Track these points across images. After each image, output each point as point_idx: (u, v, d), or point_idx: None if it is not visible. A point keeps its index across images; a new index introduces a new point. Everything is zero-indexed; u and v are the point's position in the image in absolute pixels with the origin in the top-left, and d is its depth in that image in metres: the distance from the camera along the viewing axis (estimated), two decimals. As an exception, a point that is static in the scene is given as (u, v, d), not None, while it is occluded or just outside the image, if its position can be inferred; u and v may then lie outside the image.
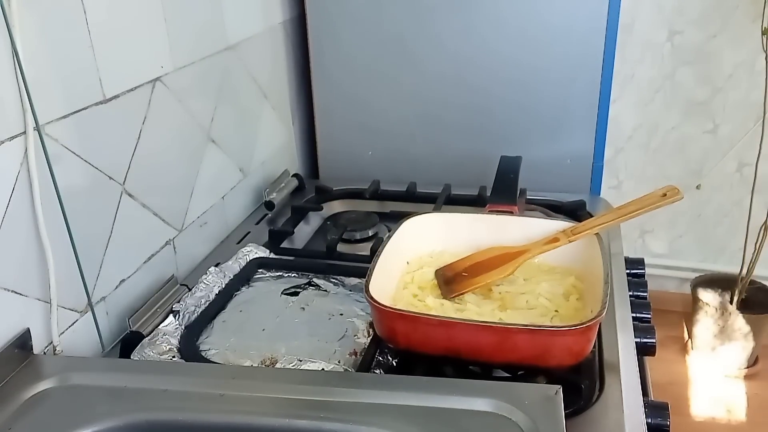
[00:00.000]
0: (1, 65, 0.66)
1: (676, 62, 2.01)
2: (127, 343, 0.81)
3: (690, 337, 2.17)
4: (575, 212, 1.16)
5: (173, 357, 0.78)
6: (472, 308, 0.82)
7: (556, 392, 0.61)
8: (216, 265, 0.96)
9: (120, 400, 0.64)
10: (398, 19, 1.27)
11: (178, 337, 0.82)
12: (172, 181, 0.98)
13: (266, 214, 1.20)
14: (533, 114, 1.28)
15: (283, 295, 0.91)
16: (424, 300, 0.83)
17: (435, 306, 0.82)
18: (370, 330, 0.82)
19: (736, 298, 2.02)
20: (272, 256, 1.02)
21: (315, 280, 0.94)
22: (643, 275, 1.06)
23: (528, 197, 1.13)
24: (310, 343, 0.80)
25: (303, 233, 1.18)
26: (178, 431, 0.62)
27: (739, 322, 2.02)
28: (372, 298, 0.74)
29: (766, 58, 1.79)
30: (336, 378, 0.71)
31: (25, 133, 0.69)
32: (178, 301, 0.87)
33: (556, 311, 0.80)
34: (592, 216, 1.17)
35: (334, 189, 1.28)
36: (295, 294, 0.91)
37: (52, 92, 0.73)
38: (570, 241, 0.86)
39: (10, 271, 0.69)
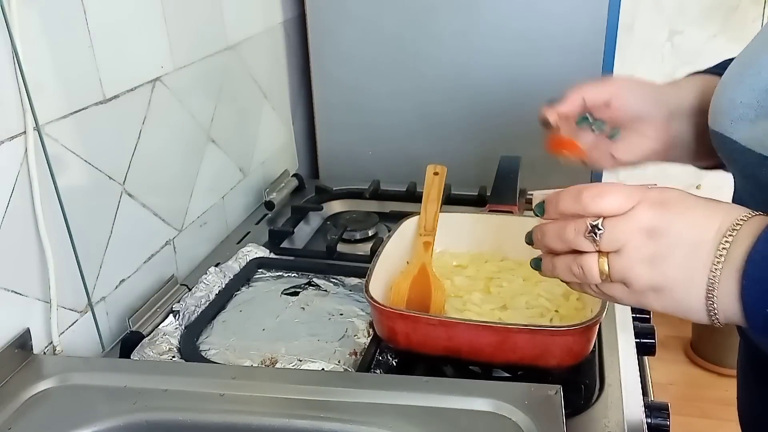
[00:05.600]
0: (1, 65, 0.66)
1: (676, 62, 2.01)
2: (127, 343, 0.81)
3: (691, 336, 2.17)
4: (575, 212, 1.16)
5: (173, 357, 0.78)
6: (472, 308, 0.82)
7: (556, 392, 0.61)
8: (216, 265, 0.96)
9: (120, 400, 0.64)
10: (398, 19, 1.27)
11: (178, 337, 0.82)
12: (172, 181, 0.98)
13: (266, 214, 1.20)
14: (533, 114, 1.28)
15: (283, 295, 0.91)
16: (424, 300, 0.83)
17: (435, 306, 0.82)
18: (370, 330, 0.82)
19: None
20: (272, 256, 1.02)
21: (315, 280, 0.94)
22: (643, 275, 1.06)
23: (528, 197, 1.13)
24: (310, 343, 0.80)
25: (303, 233, 1.18)
26: (178, 431, 0.62)
27: (739, 322, 2.02)
28: (372, 298, 0.74)
29: (766, 58, 1.79)
30: (336, 378, 0.71)
31: (25, 133, 0.69)
32: (178, 301, 0.87)
33: (556, 311, 0.81)
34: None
35: (334, 189, 1.28)
36: (295, 294, 0.91)
37: (52, 92, 0.73)
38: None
39: (10, 271, 0.69)
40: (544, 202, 0.54)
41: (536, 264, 0.57)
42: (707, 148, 0.78)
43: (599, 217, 0.50)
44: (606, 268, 0.50)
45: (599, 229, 0.49)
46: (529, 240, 0.57)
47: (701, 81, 0.79)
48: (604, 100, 0.74)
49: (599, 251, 0.50)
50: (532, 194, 0.59)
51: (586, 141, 0.76)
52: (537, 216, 0.55)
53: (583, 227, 0.50)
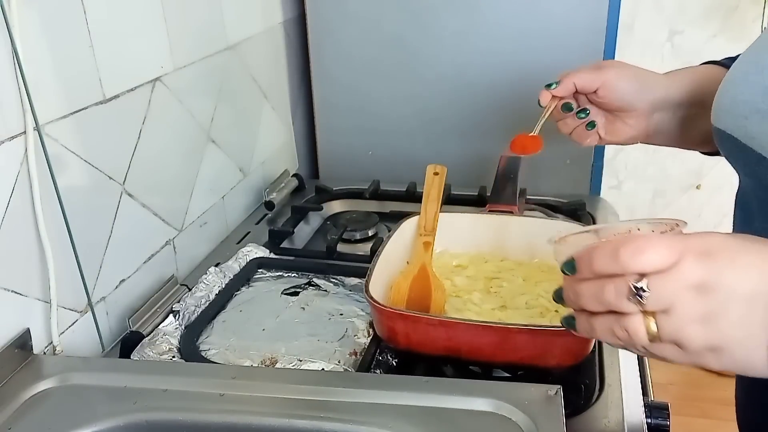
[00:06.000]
0: (1, 65, 0.66)
1: (676, 62, 2.01)
2: (127, 343, 0.81)
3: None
4: (575, 212, 1.16)
5: (173, 357, 0.78)
6: (472, 308, 0.82)
7: (556, 392, 0.61)
8: (216, 265, 0.96)
9: (120, 400, 0.64)
10: (398, 19, 1.27)
11: (178, 337, 0.82)
12: (172, 181, 0.98)
13: (266, 214, 1.20)
14: (534, 114, 1.28)
15: (283, 295, 0.91)
16: (424, 300, 0.83)
17: (435, 306, 0.82)
18: (370, 330, 0.82)
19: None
20: (272, 256, 1.02)
21: (315, 280, 0.94)
22: (643, 275, 1.06)
23: (528, 197, 1.13)
24: (310, 343, 0.80)
25: (303, 233, 1.18)
26: (178, 431, 0.62)
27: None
28: (372, 298, 0.74)
29: (766, 58, 1.79)
30: (336, 378, 0.71)
31: (25, 133, 0.69)
32: (178, 301, 0.87)
33: (556, 311, 0.80)
34: (592, 216, 1.17)
35: (334, 189, 1.29)
36: (295, 294, 0.91)
37: (52, 92, 0.73)
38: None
39: (10, 271, 0.69)
40: (573, 259, 0.50)
41: (569, 323, 0.52)
42: (697, 136, 0.84)
43: (641, 276, 0.45)
44: (654, 329, 0.46)
45: (644, 291, 0.45)
46: (558, 298, 0.53)
47: (702, 73, 0.83)
48: (593, 88, 0.83)
49: (644, 311, 0.46)
50: (553, 232, 0.56)
51: (569, 123, 0.87)
52: (566, 275, 0.51)
53: (625, 289, 0.46)
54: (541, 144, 0.87)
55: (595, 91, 0.83)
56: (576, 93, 0.85)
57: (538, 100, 0.85)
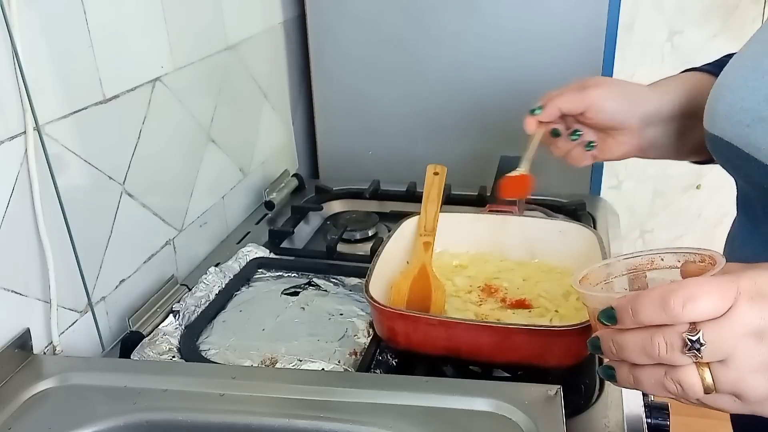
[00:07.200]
0: (1, 65, 0.66)
1: (676, 62, 2.01)
2: (127, 343, 0.81)
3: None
4: (575, 212, 1.16)
5: (173, 357, 0.78)
6: (472, 308, 0.82)
7: (556, 392, 0.61)
8: (216, 265, 0.96)
9: (120, 400, 0.64)
10: (398, 19, 1.27)
11: (178, 337, 0.82)
12: (172, 181, 0.98)
13: (266, 214, 1.20)
14: (533, 114, 1.28)
15: (283, 295, 0.91)
16: (424, 300, 0.83)
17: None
18: (370, 330, 0.82)
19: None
20: (272, 256, 1.02)
21: (315, 280, 0.94)
22: (643, 275, 1.06)
23: (528, 197, 1.13)
24: (310, 343, 0.80)
25: (303, 233, 1.18)
26: (178, 431, 0.62)
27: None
28: (372, 298, 0.74)
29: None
30: (336, 378, 0.71)
31: (25, 133, 0.69)
32: (178, 301, 0.87)
33: (556, 311, 0.81)
34: (592, 216, 1.17)
35: (334, 189, 1.29)
36: (295, 294, 0.91)
37: (52, 92, 0.73)
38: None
39: (10, 271, 0.69)
40: (612, 309, 0.46)
41: (608, 374, 0.48)
42: (692, 146, 0.82)
43: (694, 326, 0.42)
44: (710, 381, 0.43)
45: (701, 344, 0.42)
46: (594, 348, 0.48)
47: (690, 82, 0.81)
48: (579, 111, 0.79)
49: (698, 362, 0.43)
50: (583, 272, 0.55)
51: (561, 146, 0.83)
52: (604, 325, 0.47)
53: (678, 342, 0.42)
54: (532, 182, 0.83)
55: (581, 114, 0.79)
56: (562, 115, 0.81)
57: (525, 128, 0.81)
